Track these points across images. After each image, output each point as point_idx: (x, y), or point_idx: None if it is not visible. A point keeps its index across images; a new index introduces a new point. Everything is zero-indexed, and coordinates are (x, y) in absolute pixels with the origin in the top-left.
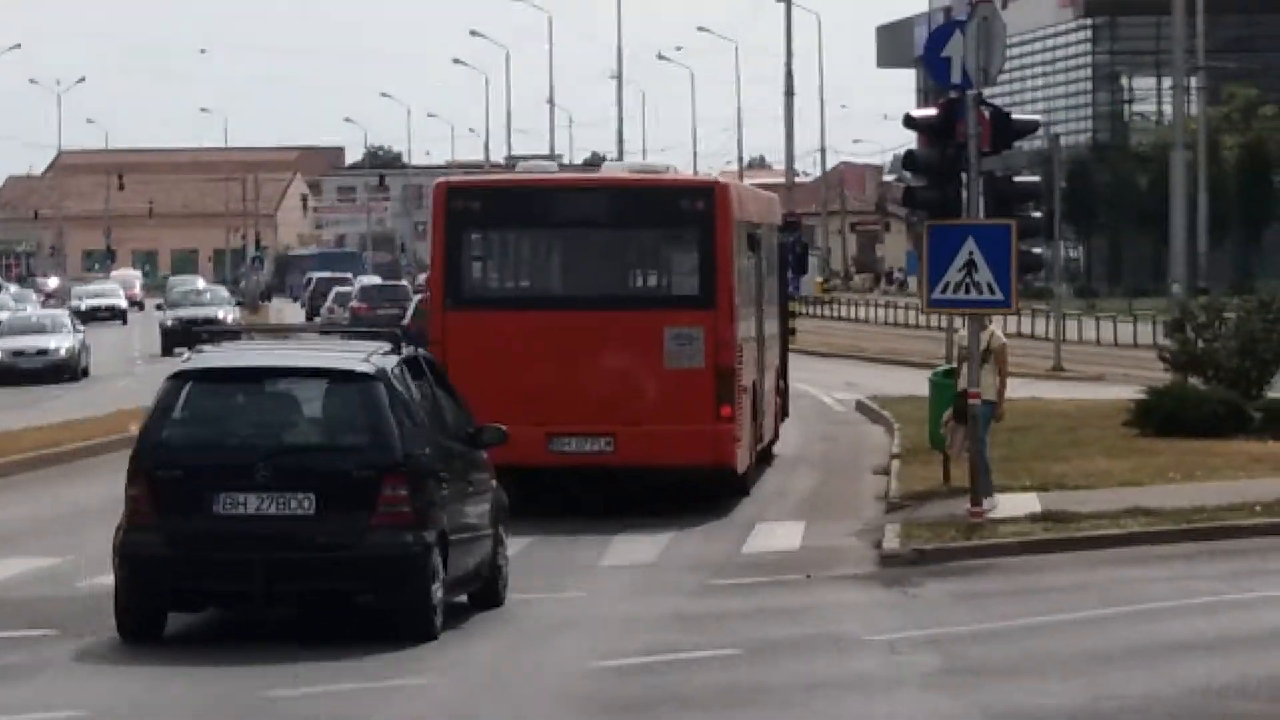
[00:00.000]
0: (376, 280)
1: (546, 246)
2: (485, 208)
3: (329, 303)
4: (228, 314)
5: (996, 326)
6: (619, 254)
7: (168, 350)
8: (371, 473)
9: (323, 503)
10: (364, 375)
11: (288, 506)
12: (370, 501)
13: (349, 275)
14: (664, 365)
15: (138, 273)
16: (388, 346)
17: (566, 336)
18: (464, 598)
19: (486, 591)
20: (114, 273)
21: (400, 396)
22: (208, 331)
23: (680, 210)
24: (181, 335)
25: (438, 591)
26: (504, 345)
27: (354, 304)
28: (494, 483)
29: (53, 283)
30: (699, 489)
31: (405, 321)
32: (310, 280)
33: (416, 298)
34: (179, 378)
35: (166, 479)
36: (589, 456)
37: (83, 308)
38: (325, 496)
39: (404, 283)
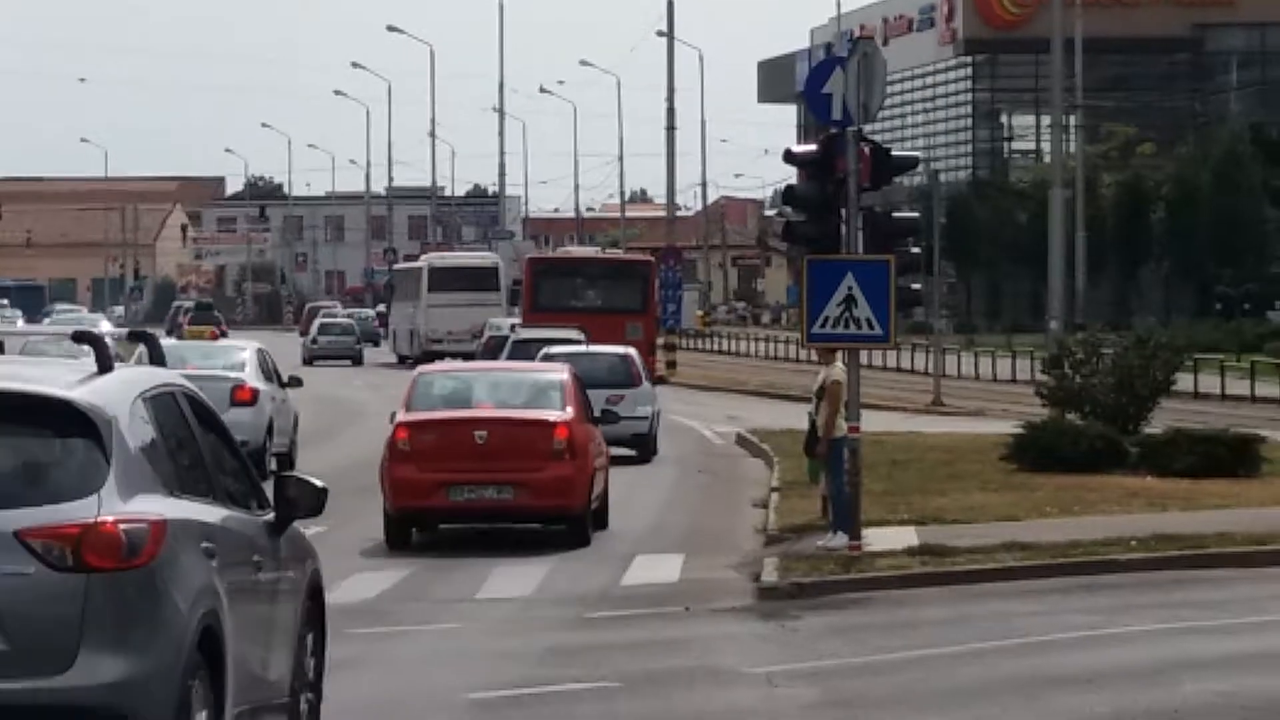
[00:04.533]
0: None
1: (575, 285)
2: (548, 267)
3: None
4: None
5: (839, 362)
6: (607, 289)
7: None
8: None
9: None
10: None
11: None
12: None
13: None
14: (625, 338)
15: None
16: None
17: (585, 327)
18: None
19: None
20: None
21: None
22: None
23: (635, 271)
24: None
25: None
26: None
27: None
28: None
29: None
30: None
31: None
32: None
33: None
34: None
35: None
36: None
37: None
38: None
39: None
